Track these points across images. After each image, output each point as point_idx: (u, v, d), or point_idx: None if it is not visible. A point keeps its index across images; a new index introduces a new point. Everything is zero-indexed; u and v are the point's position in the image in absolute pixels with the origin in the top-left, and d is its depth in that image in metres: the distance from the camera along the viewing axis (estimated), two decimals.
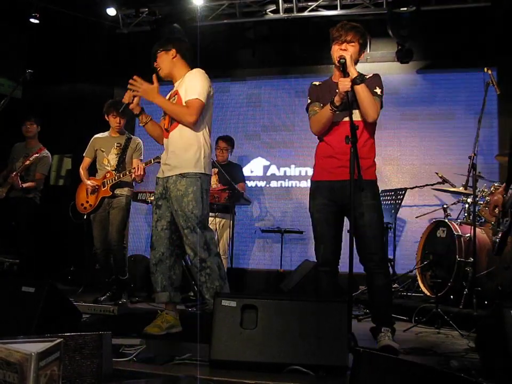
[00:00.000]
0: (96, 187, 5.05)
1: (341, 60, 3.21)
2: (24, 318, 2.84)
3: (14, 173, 5.49)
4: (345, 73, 3.21)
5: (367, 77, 3.44)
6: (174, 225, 3.63)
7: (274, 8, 6.97)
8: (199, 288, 5.17)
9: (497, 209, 3.65)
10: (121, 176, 4.98)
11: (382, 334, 3.19)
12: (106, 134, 5.27)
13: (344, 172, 3.15)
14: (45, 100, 7.78)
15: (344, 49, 3.32)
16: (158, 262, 3.67)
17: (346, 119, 3.21)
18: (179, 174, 3.55)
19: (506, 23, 6.24)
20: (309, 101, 3.54)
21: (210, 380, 2.32)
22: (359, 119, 3.33)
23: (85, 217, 5.24)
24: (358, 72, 3.29)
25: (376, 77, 3.48)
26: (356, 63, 3.42)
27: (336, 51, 3.35)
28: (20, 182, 5.48)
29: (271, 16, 7.03)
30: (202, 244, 3.50)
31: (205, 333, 2.69)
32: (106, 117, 5.16)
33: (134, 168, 4.87)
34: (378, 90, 3.41)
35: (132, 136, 5.30)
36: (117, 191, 5.07)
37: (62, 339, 1.72)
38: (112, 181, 4.99)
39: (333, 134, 3.40)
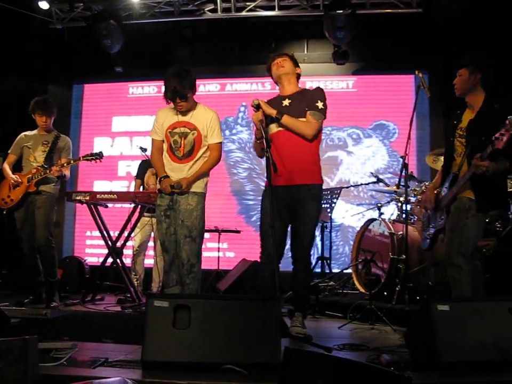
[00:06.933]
0: (20, 182, 4.90)
1: (255, 102, 3.67)
2: None
3: None
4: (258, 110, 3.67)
5: (310, 90, 3.87)
6: None
7: (213, 7, 6.94)
8: (136, 290, 5.19)
9: (429, 204, 3.79)
10: (48, 172, 4.86)
11: (294, 318, 3.68)
12: (34, 131, 5.13)
13: (281, 179, 3.59)
14: None
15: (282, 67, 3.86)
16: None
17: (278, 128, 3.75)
18: None
19: (437, 29, 6.47)
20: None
21: (142, 381, 2.29)
22: (281, 128, 3.74)
23: (4, 212, 5.04)
24: (277, 109, 3.70)
25: (318, 90, 3.83)
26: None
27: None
28: None
29: (209, 15, 7.00)
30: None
31: (140, 334, 2.65)
32: (33, 115, 5.03)
33: (53, 167, 4.83)
34: (320, 104, 3.76)
35: (61, 134, 5.18)
36: (42, 188, 4.93)
37: None
38: (37, 177, 4.86)
39: (277, 144, 3.72)
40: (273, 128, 3.75)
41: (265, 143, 3.44)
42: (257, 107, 3.65)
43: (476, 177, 3.34)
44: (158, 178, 3.99)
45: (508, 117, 3.12)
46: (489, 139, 3.15)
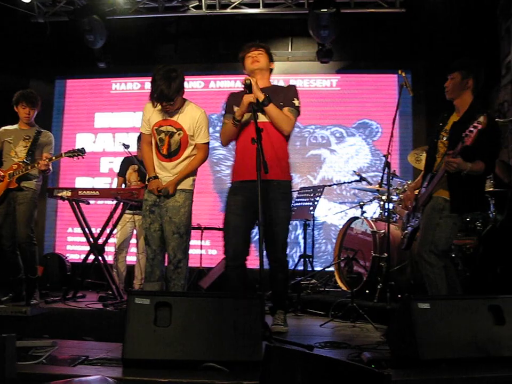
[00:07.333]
0: (1, 178, 4.84)
1: (246, 82, 3.51)
2: None
3: None
4: (250, 91, 3.52)
5: (282, 86, 3.69)
6: None
7: (197, 4, 6.92)
8: (117, 287, 5.16)
9: (409, 202, 3.83)
10: (29, 168, 4.81)
11: (276, 315, 3.72)
12: (15, 126, 5.06)
13: (252, 173, 3.39)
14: None
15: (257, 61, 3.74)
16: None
17: (261, 119, 3.56)
18: None
19: (420, 29, 6.52)
20: (223, 112, 3.82)
21: (122, 379, 2.27)
22: (266, 120, 3.59)
23: None
24: (265, 94, 3.55)
25: (292, 88, 3.80)
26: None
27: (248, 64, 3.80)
28: None
29: (193, 12, 6.97)
30: None
31: (121, 332, 2.63)
32: (15, 108, 4.97)
33: (41, 161, 4.77)
34: (296, 102, 3.70)
35: (42, 130, 5.12)
36: (24, 184, 4.88)
37: None
38: (19, 173, 4.80)
39: (246, 135, 3.60)
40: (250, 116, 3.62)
41: (255, 133, 3.29)
42: (249, 87, 3.53)
43: (453, 179, 3.38)
44: (147, 178, 4.00)
45: (477, 114, 3.18)
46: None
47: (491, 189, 4.64)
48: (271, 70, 3.87)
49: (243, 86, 3.55)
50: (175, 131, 3.87)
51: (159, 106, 3.86)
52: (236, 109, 3.65)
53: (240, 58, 3.89)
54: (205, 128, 3.92)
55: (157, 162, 3.96)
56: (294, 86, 3.83)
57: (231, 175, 3.93)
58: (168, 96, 3.68)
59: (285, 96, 3.69)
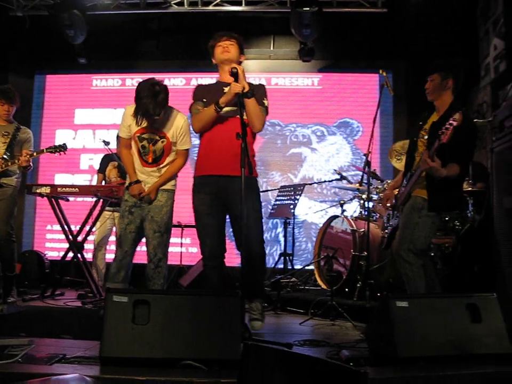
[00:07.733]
0: None
1: (233, 70, 3.40)
2: None
3: None
4: (236, 80, 3.41)
5: (254, 84, 3.68)
6: None
7: (179, 0, 6.89)
8: (96, 285, 5.12)
9: (388, 201, 3.85)
10: (9, 164, 4.74)
11: (254, 305, 3.63)
12: None
13: (230, 168, 3.36)
14: None
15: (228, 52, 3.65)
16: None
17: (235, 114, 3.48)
18: None
19: (401, 29, 6.56)
20: (192, 101, 3.73)
21: (100, 377, 2.25)
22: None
23: None
24: (249, 86, 3.48)
25: (263, 87, 3.78)
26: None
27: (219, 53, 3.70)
28: None
29: (175, 8, 6.94)
30: None
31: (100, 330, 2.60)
32: None
33: (22, 157, 4.69)
34: (266, 102, 3.68)
35: (21, 126, 5.05)
36: (3, 180, 4.80)
37: None
38: None
39: (222, 129, 3.55)
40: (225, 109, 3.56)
41: (241, 128, 3.16)
42: (235, 76, 3.41)
43: (431, 178, 3.41)
44: (128, 182, 3.98)
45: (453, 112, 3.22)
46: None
47: (469, 189, 4.69)
48: (240, 63, 3.71)
49: (229, 75, 3.43)
50: (158, 139, 3.86)
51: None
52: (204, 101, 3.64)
53: (210, 47, 3.77)
54: (187, 135, 3.93)
55: (139, 167, 3.95)
56: (263, 86, 3.77)
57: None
58: (154, 114, 3.65)
59: (256, 95, 3.57)
